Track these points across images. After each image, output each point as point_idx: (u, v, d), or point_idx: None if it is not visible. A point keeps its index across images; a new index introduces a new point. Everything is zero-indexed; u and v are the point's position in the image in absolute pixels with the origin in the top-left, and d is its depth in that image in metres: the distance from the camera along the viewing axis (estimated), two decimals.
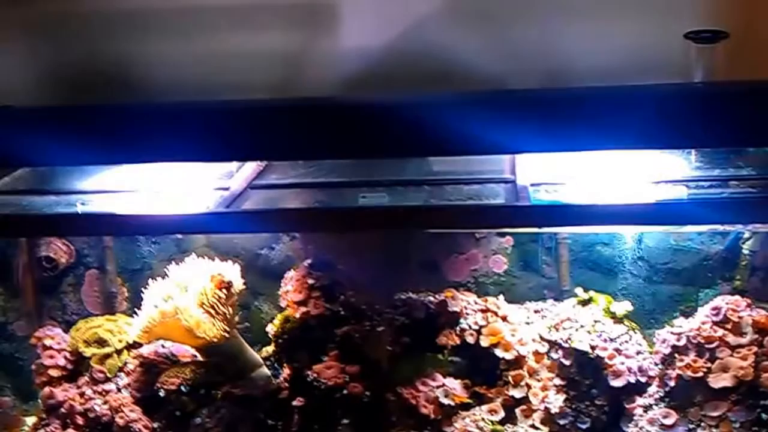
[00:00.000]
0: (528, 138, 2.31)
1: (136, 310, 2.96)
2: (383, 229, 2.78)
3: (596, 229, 2.93)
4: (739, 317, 2.76)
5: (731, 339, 2.75)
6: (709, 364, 2.74)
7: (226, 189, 2.62)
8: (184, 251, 3.09)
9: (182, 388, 2.93)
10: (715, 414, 2.73)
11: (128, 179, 2.70)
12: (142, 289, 2.93)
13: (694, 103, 2.37)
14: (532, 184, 2.50)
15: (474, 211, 2.49)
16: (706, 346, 2.75)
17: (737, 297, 2.81)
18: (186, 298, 2.84)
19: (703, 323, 2.78)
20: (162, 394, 2.94)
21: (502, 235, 3.04)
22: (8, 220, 2.62)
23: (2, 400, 3.23)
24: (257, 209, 2.56)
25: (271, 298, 3.10)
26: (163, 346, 2.99)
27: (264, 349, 3.00)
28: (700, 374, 2.73)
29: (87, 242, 3.19)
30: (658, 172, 2.54)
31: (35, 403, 3.14)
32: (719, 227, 2.87)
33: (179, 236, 3.12)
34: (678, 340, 2.79)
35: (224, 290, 2.86)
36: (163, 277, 2.94)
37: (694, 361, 2.75)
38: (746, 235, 2.92)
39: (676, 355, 2.79)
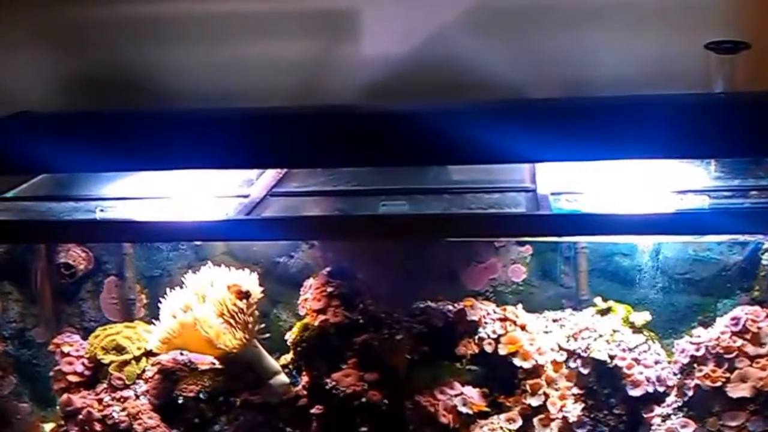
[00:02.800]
0: (548, 147, 2.32)
1: (154, 317, 2.98)
2: (403, 237, 2.78)
3: (616, 238, 2.92)
4: (759, 327, 2.75)
5: (750, 349, 2.74)
6: (728, 374, 2.73)
7: (246, 196, 2.62)
8: (203, 258, 3.08)
9: (201, 395, 2.93)
10: (733, 424, 2.72)
11: (147, 186, 2.71)
12: (161, 296, 2.94)
13: (714, 113, 2.38)
14: (553, 194, 2.50)
15: (494, 220, 2.49)
16: (725, 356, 2.74)
17: (757, 307, 2.81)
18: (205, 309, 2.85)
19: (723, 333, 2.77)
20: (180, 401, 2.94)
21: (521, 244, 3.03)
22: (27, 226, 2.62)
23: (20, 406, 3.22)
24: (277, 216, 2.56)
25: (290, 306, 3.10)
26: (181, 354, 2.99)
27: (283, 356, 2.99)
28: (719, 384, 2.72)
29: (106, 249, 3.18)
30: (678, 182, 2.54)
31: (53, 410, 3.14)
32: (739, 237, 2.86)
33: (198, 243, 3.11)
34: (697, 350, 2.78)
35: (243, 300, 2.86)
36: (182, 285, 2.95)
37: (713, 371, 2.74)
38: (766, 245, 2.91)
39: (695, 365, 2.78)
